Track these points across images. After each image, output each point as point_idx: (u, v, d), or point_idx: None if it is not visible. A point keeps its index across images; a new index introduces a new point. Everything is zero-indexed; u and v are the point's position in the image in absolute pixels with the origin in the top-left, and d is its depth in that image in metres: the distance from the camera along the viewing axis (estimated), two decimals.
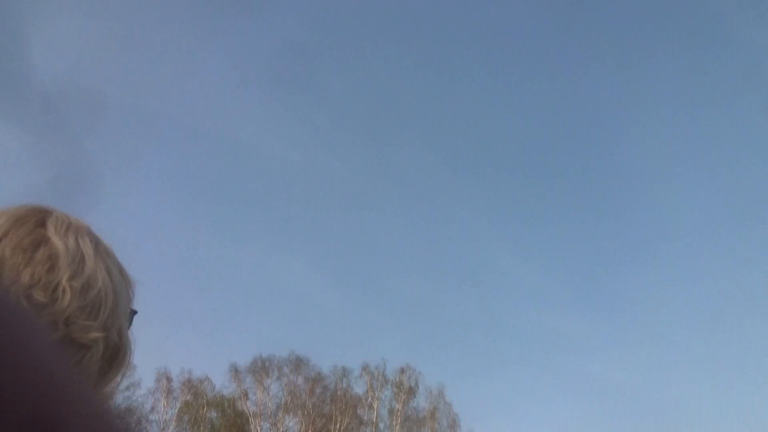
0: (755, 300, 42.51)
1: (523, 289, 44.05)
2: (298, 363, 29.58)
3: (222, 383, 29.19)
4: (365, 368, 31.14)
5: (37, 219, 0.85)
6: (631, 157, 44.73)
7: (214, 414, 28.57)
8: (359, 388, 30.81)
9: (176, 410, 27.85)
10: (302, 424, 28.32)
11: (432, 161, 43.87)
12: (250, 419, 28.64)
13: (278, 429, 28.22)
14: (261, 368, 29.31)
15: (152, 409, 26.93)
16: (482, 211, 44.67)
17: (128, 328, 0.94)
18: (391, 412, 30.76)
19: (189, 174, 42.25)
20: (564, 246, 44.59)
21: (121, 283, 0.90)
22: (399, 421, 30.35)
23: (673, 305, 44.40)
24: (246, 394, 29.05)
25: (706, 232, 43.56)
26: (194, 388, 28.68)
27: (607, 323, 44.43)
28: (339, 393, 29.76)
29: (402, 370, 31.52)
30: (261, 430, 28.44)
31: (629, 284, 44.87)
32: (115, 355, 0.88)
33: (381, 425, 30.50)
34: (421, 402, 31.45)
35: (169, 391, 27.97)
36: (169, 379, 28.09)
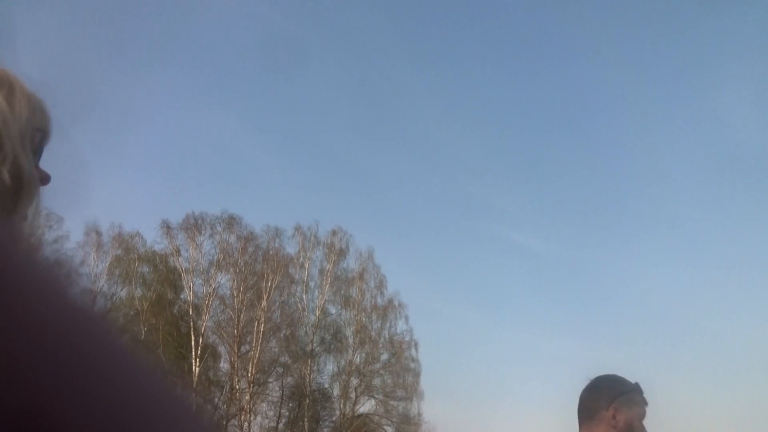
0: (669, 162, 44.64)
1: (452, 155, 44.68)
2: (231, 221, 29.75)
3: (153, 239, 29.24)
4: (298, 229, 31.69)
5: None
6: (577, 27, 44.46)
7: (146, 269, 28.85)
8: (291, 249, 31.49)
9: (107, 264, 27.94)
10: (234, 281, 28.98)
11: (370, 14, 42.35)
12: (183, 275, 29.09)
13: (210, 285, 28.85)
14: (193, 225, 29.37)
15: (82, 262, 26.89)
16: (420, 72, 44.05)
17: (34, 155, 0.86)
18: (321, 272, 31.78)
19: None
20: (497, 113, 44.97)
21: (6, 111, 0.81)
22: (329, 281, 31.48)
23: (596, 176, 46.15)
24: (178, 251, 29.28)
25: (644, 96, 44.57)
26: (125, 242, 28.66)
27: (533, 194, 46.11)
28: (271, 252, 30.36)
29: (333, 232, 32.27)
30: (193, 285, 29.04)
31: (560, 156, 46.15)
32: (17, 191, 0.81)
33: (311, 284, 31.58)
34: (351, 263, 32.56)
35: (99, 245, 27.90)
36: (98, 233, 27.93)
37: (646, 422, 2.02)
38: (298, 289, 31.15)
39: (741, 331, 42.22)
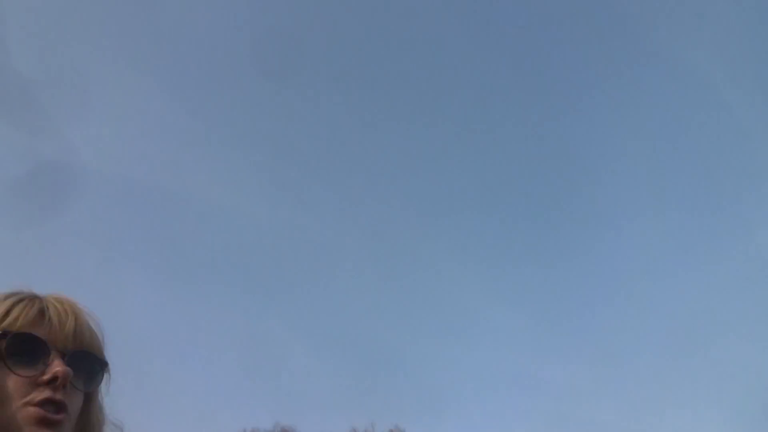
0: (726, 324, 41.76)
1: (508, 338, 42.59)
2: None
3: None
4: None
5: None
6: (597, 194, 44.33)
7: None
8: None
9: None
10: None
11: (402, 206, 42.68)
12: None
13: None
14: None
15: None
16: (460, 259, 43.44)
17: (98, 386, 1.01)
18: None
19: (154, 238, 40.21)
20: (544, 290, 43.51)
21: None
22: None
23: (657, 342, 43.27)
24: None
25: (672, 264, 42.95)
26: None
27: (602, 367, 43.09)
28: None
29: None
30: None
31: (612, 325, 43.83)
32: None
33: None
34: None
35: None
36: None
37: None
38: None
39: None
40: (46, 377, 0.88)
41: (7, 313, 0.91)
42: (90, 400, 0.96)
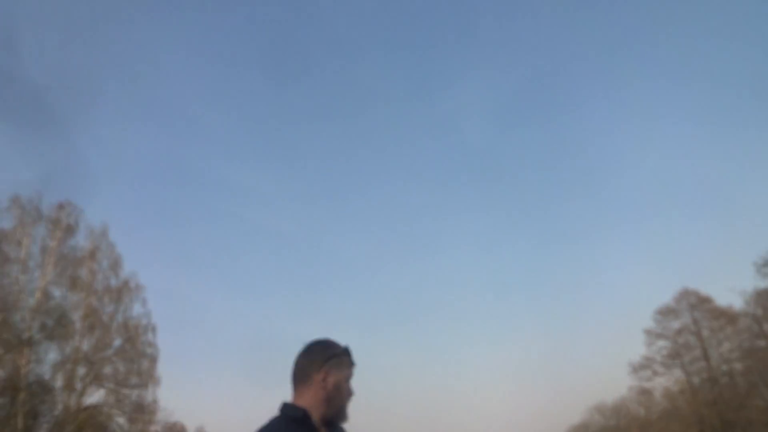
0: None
1: (208, 139, 42.82)
2: None
3: None
4: (15, 200, 27.70)
5: None
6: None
7: None
8: (7, 223, 27.42)
9: None
10: None
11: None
12: None
13: None
14: None
15: None
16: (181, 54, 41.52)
17: None
18: (44, 250, 28.08)
19: None
20: (254, 96, 44.18)
21: None
22: (53, 260, 27.95)
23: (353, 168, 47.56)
24: None
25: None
26: None
27: (287, 179, 46.15)
28: None
29: (60, 206, 28.78)
30: None
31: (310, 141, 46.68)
32: None
33: (31, 264, 27.71)
34: (81, 241, 29.39)
35: None
36: None
37: (353, 381, 2.18)
38: (15, 268, 27.20)
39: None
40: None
41: None
42: None
